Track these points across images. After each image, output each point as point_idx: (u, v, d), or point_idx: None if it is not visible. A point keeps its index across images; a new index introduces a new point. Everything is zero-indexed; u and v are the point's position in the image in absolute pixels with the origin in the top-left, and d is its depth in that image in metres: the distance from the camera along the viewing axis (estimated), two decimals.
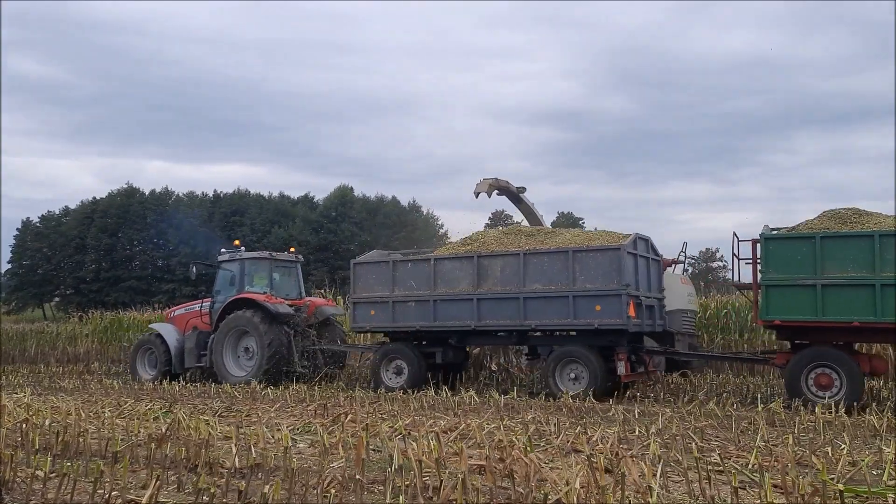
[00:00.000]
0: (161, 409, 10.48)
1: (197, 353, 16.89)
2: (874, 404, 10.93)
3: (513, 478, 5.31)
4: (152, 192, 60.10)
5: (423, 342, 14.46)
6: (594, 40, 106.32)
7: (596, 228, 15.02)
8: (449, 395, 12.08)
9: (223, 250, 17.90)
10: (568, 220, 59.41)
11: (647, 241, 13.43)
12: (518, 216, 19.61)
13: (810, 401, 10.70)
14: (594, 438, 7.35)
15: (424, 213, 60.34)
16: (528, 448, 5.97)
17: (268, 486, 4.93)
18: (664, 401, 11.81)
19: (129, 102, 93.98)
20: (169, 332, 17.70)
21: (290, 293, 17.42)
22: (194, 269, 18.31)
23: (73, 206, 61.35)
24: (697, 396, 12.38)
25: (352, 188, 58.81)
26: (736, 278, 12.77)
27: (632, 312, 12.31)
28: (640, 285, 12.76)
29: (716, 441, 7.59)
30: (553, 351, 13.05)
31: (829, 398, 10.81)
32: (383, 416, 9.62)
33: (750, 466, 6.10)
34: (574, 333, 13.18)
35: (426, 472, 5.38)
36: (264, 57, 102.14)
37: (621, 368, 12.59)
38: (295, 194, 60.92)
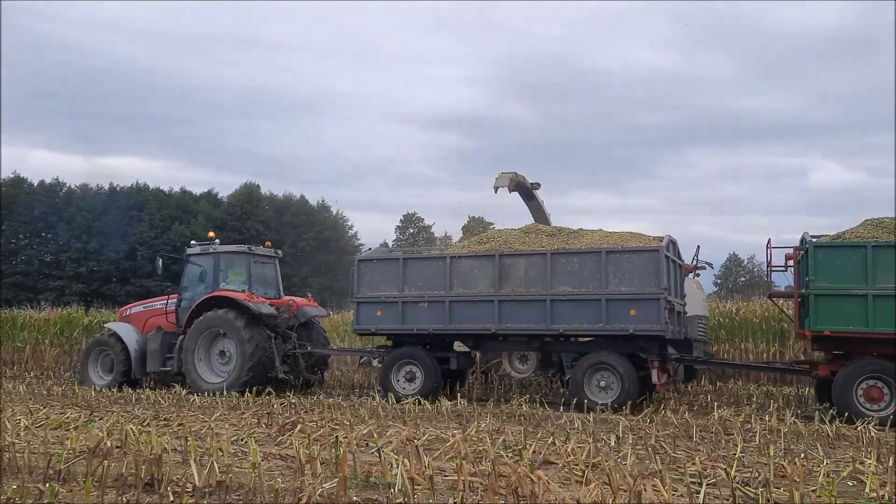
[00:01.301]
0: (81, 417, 9.57)
1: (161, 356, 15.96)
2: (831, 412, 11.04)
3: (517, 496, 4.90)
4: (41, 182, 56.46)
5: (428, 346, 14.38)
6: (499, 49, 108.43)
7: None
8: (394, 402, 11.48)
9: (193, 243, 17.08)
10: (479, 225, 59.55)
11: (675, 243, 13.68)
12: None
13: (860, 414, 11.07)
14: (568, 449, 6.98)
15: (334, 213, 59.36)
16: (529, 464, 5.60)
17: None
18: (611, 408, 11.74)
19: (10, 86, 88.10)
20: (127, 333, 16.59)
21: (268, 291, 16.76)
22: (161, 262, 17.18)
23: None
24: (641, 404, 12.32)
25: (258, 186, 57.08)
26: (767, 287, 12.70)
27: (667, 318, 12.38)
28: (671, 290, 12.88)
29: (682, 451, 7.43)
30: (578, 358, 13.08)
31: (879, 412, 11.28)
32: (334, 425, 9.01)
33: (733, 478, 5.91)
34: (596, 339, 13.27)
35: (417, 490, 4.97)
36: (165, 47, 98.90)
37: (655, 377, 12.58)
38: (197, 190, 58.33)
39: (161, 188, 61.40)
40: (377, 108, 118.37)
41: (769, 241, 12.85)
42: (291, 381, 15.59)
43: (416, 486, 5.73)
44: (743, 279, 69.81)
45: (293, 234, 57.56)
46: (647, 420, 10.70)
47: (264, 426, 9.91)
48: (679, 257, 13.92)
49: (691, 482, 5.88)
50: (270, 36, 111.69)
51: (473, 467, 6.44)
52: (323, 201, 66.15)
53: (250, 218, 56.92)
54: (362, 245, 69.02)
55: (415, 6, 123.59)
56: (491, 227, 64.05)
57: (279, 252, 17.62)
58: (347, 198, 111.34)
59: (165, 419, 10.66)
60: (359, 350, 17.09)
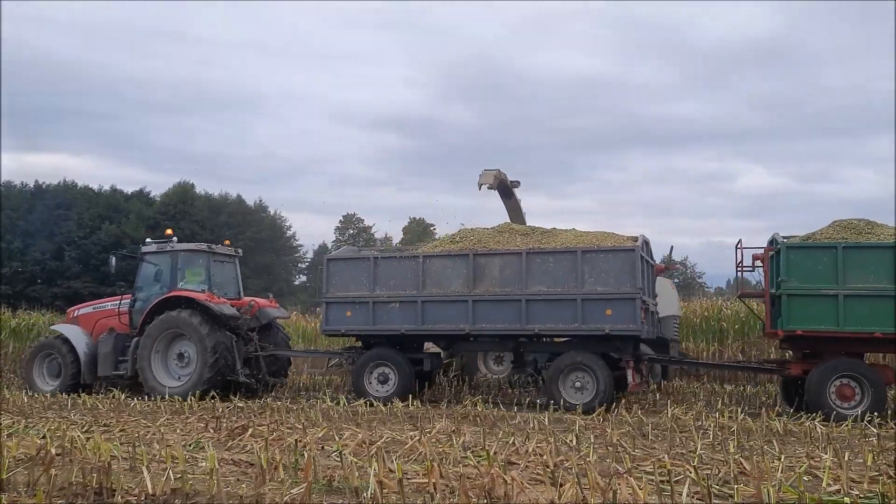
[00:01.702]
0: (14, 424, 9.19)
1: (114, 359, 15.41)
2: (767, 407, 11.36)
3: (490, 498, 4.79)
4: None
5: (398, 347, 14.35)
6: (438, 50, 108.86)
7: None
8: (345, 404, 11.28)
9: (148, 240, 16.60)
10: (420, 226, 59.77)
11: (648, 243, 14.04)
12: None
13: (833, 412, 11.51)
14: (529, 449, 6.93)
15: (272, 213, 58.50)
16: (501, 465, 5.50)
17: None
18: (555, 406, 12.68)
19: None
20: (76, 335, 15.91)
21: (228, 292, 16.42)
22: (114, 260, 16.70)
23: None
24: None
25: (193, 185, 56.02)
26: (736, 287, 12.92)
27: (643, 317, 12.78)
28: (646, 290, 13.23)
29: (640, 450, 7.86)
30: (553, 358, 13.28)
31: (850, 409, 11.74)
32: (285, 428, 8.80)
33: (707, 476, 6.01)
34: (571, 340, 13.48)
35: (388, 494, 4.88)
36: (92, 39, 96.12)
37: (630, 377, 12.84)
38: (128, 189, 56.88)
39: (90, 186, 59.52)
40: (314, 108, 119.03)
41: (739, 242, 13.44)
42: (253, 385, 15.36)
43: (384, 490, 5.56)
44: (677, 280, 71.48)
45: (230, 235, 56.30)
46: (600, 419, 10.77)
47: (212, 431, 9.65)
48: (651, 257, 14.32)
49: (661, 481, 5.87)
50: (203, 30, 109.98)
51: (440, 469, 6.30)
52: (260, 201, 65.85)
53: (185, 218, 55.53)
54: (301, 246, 68.47)
55: (353, 6, 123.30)
56: (432, 228, 64.34)
57: (239, 251, 17.37)
58: (284, 198, 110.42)
59: (105, 425, 10.28)
60: (325, 352, 16.81)
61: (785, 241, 12.45)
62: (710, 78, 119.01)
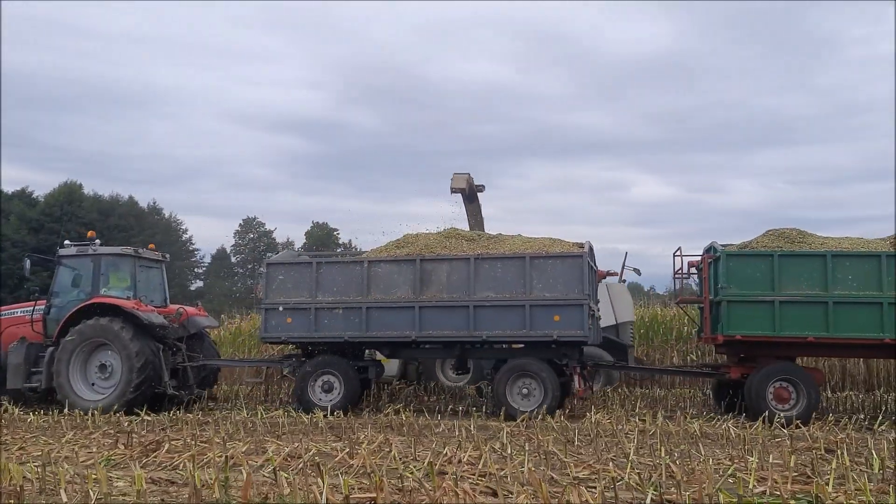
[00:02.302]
0: None
1: (26, 370, 14.43)
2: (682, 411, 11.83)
3: None
4: None
5: (340, 354, 14.10)
6: (340, 52, 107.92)
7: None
8: (263, 416, 10.93)
9: (67, 242, 15.61)
10: (323, 231, 58.95)
11: (593, 249, 14.39)
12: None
13: (772, 414, 12.08)
14: (463, 459, 6.91)
15: (166, 216, 56.48)
16: (453, 479, 5.44)
17: None
18: (478, 413, 12.98)
19: None
20: None
21: (154, 299, 15.76)
22: (28, 263, 15.50)
23: None
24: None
25: (81, 185, 53.33)
26: (672, 294, 13.41)
27: (589, 323, 13.22)
28: (592, 295, 13.64)
29: (572, 456, 7.89)
30: (500, 365, 13.39)
31: (787, 411, 12.38)
32: (201, 442, 8.46)
33: (655, 481, 6.15)
34: (522, 346, 13.66)
35: None
36: None
37: (577, 383, 13.15)
38: (8, 189, 53.79)
39: None
40: (209, 106, 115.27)
41: (678, 250, 14.16)
42: (182, 397, 14.86)
43: None
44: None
45: (120, 238, 53.98)
46: (524, 426, 10.85)
47: (123, 447, 9.17)
48: (595, 263, 14.68)
49: (605, 487, 5.93)
50: (90, 23, 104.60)
51: (387, 483, 6.15)
52: (154, 203, 63.22)
53: (72, 220, 52.86)
54: (198, 250, 66.33)
55: (248, 3, 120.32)
56: (336, 233, 63.66)
57: (167, 256, 16.88)
58: (180, 200, 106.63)
59: (3, 442, 9.53)
60: (260, 360, 16.30)
61: (724, 249, 13.06)
62: (607, 89, 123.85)
